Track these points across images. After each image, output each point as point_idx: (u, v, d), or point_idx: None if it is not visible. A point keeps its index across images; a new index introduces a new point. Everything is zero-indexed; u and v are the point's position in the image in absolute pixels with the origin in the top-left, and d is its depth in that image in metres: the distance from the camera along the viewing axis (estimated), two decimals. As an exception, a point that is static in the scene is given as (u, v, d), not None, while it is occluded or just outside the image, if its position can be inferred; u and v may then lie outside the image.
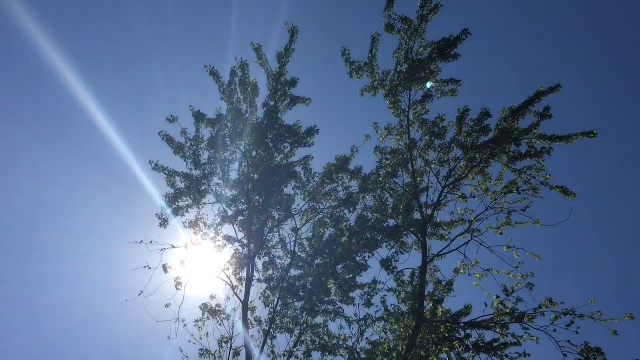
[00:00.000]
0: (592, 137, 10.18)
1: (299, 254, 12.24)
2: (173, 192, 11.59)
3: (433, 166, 11.78)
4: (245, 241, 11.78)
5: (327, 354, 11.46)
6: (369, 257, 11.70)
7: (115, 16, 32.91)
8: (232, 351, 11.07)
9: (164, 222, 11.45)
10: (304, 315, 11.63)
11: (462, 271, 11.60)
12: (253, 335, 11.99)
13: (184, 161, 11.66)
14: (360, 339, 11.43)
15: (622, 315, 9.68)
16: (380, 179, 11.85)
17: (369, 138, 11.72)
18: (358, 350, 11.41)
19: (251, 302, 11.81)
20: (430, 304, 11.58)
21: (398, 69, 11.79)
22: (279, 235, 12.15)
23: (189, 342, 11.33)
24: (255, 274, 12.05)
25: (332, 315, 11.77)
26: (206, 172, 11.73)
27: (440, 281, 11.69)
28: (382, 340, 11.57)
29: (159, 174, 11.67)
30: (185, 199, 11.71)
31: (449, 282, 11.51)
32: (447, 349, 10.74)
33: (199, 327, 11.83)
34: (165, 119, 11.36)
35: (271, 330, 11.67)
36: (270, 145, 11.64)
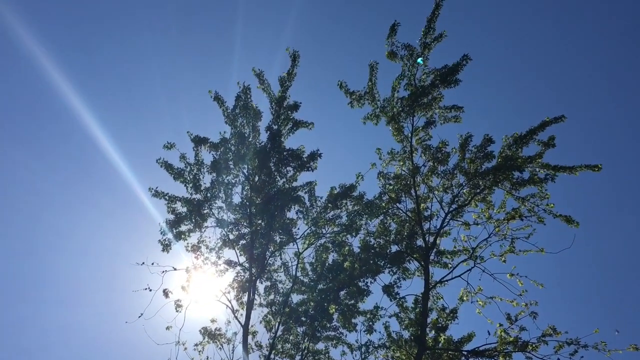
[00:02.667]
0: (596, 171, 10.15)
1: (301, 278, 12.16)
2: (173, 217, 11.51)
3: (436, 192, 11.74)
4: (247, 265, 11.71)
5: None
6: (371, 282, 11.65)
7: (121, 42, 33.30)
8: (231, 376, 10.99)
9: (165, 247, 11.37)
10: (306, 340, 11.53)
11: (464, 298, 11.51)
12: (253, 360, 11.89)
13: (184, 186, 11.59)
14: (361, 366, 11.32)
15: (627, 346, 9.61)
16: (383, 204, 11.78)
17: (374, 166, 11.71)
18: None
19: (252, 326, 11.72)
20: (433, 331, 11.47)
21: (400, 96, 11.81)
22: (281, 259, 12.10)
23: (189, 365, 11.27)
24: (257, 297, 11.98)
25: (334, 341, 11.67)
26: (208, 195, 11.66)
27: (444, 308, 11.60)
28: (384, 368, 11.47)
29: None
30: (186, 222, 11.62)
31: (452, 310, 11.42)
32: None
33: (199, 351, 11.76)
34: (163, 145, 11.29)
35: (272, 356, 11.56)
36: (273, 169, 11.60)
